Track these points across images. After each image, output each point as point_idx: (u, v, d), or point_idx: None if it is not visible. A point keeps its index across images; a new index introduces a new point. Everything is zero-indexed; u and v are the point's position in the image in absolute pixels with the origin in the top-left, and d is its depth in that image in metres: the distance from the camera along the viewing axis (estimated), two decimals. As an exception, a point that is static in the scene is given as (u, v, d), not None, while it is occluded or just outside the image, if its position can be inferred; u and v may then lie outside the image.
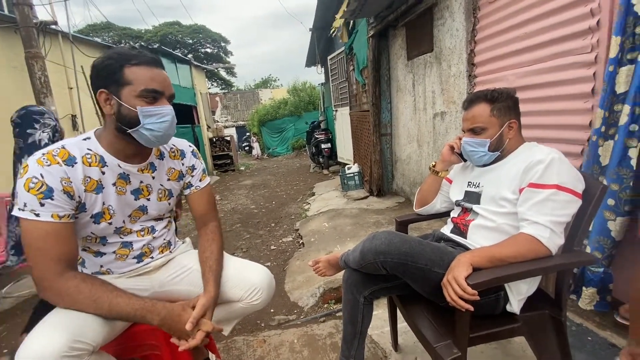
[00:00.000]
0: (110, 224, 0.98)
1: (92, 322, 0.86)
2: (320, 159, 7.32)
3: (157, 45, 6.76)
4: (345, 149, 6.06)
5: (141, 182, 1.03)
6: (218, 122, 15.56)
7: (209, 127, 9.67)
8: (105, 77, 0.89)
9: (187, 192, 1.18)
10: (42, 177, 0.84)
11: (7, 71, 3.40)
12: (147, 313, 0.88)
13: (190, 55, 24.63)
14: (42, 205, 0.84)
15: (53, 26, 3.82)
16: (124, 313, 0.87)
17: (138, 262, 1.08)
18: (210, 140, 9.38)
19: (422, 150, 3.23)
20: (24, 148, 1.83)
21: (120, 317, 0.88)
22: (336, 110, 6.46)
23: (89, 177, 0.92)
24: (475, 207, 1.11)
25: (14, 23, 3.30)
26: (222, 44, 26.83)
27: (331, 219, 3.45)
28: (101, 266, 1.04)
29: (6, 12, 3.81)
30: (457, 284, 0.86)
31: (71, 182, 0.88)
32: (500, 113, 1.06)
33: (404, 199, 3.75)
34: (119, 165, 0.97)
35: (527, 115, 1.51)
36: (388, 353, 1.49)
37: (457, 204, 1.21)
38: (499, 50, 2.06)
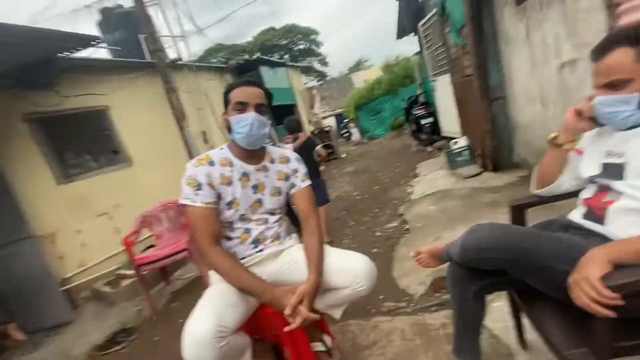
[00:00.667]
0: (236, 210, 1.25)
1: (229, 311, 1.09)
2: (423, 136, 6.86)
3: (256, 56, 7.51)
4: (449, 121, 5.51)
5: (257, 179, 1.30)
6: (317, 114, 16.33)
7: (309, 121, 10.26)
8: (224, 103, 1.27)
9: (292, 191, 1.39)
10: (195, 175, 1.20)
11: (157, 110, 4.37)
12: (258, 292, 1.13)
13: (286, 56, 26.45)
14: (196, 195, 1.19)
15: (180, 62, 4.70)
16: (244, 286, 1.14)
17: (254, 247, 1.31)
18: (312, 133, 9.96)
19: (547, 111, 2.67)
20: None
21: (241, 288, 1.16)
22: (435, 80, 5.90)
23: (224, 174, 1.24)
24: (617, 185, 0.87)
25: (153, 67, 4.22)
26: (312, 37, 27.73)
27: (438, 201, 3.24)
28: (230, 248, 1.29)
29: (148, 59, 4.87)
30: (589, 286, 0.70)
31: (212, 177, 1.22)
32: None
33: (528, 171, 3.20)
34: (241, 166, 1.28)
35: None
36: (513, 350, 1.34)
37: (591, 181, 0.97)
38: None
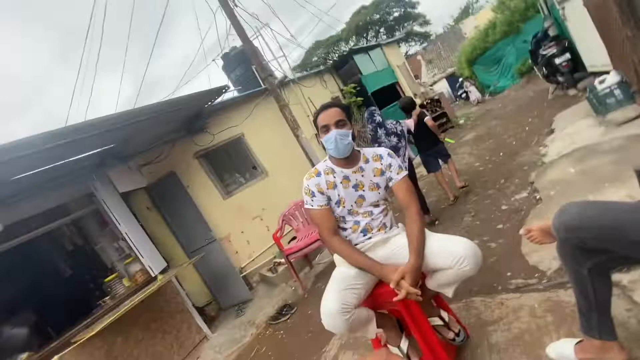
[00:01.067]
0: (344, 207, 1.57)
1: (349, 292, 1.40)
2: (560, 78, 5.61)
3: (352, 45, 7.66)
4: (595, 52, 4.35)
5: (356, 179, 1.58)
6: (425, 82, 15.22)
7: (415, 94, 9.78)
8: (315, 128, 1.63)
9: (390, 183, 1.61)
10: (308, 186, 1.57)
11: (276, 126, 5.15)
12: (371, 269, 1.43)
13: (382, 30, 25.41)
14: (312, 200, 1.56)
15: (286, 79, 5.38)
16: (360, 265, 1.46)
17: (364, 235, 1.59)
18: (421, 106, 9.47)
19: None
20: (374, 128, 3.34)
21: (358, 266, 1.47)
22: (563, 8, 4.75)
23: (328, 181, 1.57)
24: None
25: (267, 90, 5.00)
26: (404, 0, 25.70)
27: (579, 161, 2.75)
28: (345, 237, 1.61)
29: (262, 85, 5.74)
30: None
31: (321, 185, 1.56)
32: None
33: None
34: (341, 171, 1.58)
35: None
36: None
37: None
38: None
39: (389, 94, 7.55)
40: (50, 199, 2.83)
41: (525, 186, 3.06)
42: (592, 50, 4.31)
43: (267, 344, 2.92)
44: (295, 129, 4.79)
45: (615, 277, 1.52)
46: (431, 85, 17.48)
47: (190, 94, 3.33)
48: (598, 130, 3.11)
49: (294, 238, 4.00)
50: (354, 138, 1.58)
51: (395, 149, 3.28)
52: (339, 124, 1.52)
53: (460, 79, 14.80)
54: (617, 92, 3.18)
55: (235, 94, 5.03)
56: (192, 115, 3.94)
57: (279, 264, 4.11)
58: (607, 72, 3.55)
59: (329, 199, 1.57)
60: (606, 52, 3.73)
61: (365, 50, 7.66)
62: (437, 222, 3.44)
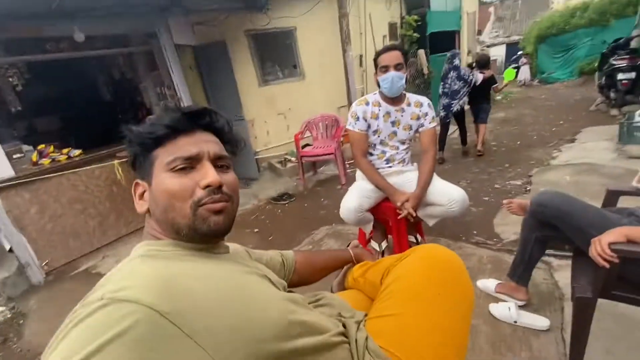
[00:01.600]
0: (379, 136, 1.93)
1: (365, 199, 1.87)
2: (612, 94, 5.53)
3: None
4: (657, 82, 4.30)
5: (396, 117, 1.88)
6: (484, 42, 14.06)
7: (469, 51, 9.25)
8: (374, 66, 1.84)
9: (421, 129, 1.93)
10: (356, 111, 1.88)
11: (328, 32, 5.02)
12: (385, 189, 1.85)
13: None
14: (355, 123, 1.90)
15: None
16: (377, 184, 1.89)
17: (386, 164, 1.99)
18: (469, 65, 9.07)
19: None
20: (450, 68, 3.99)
21: (375, 185, 1.90)
22: (661, 23, 4.45)
23: (373, 112, 1.88)
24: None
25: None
26: None
27: (578, 173, 3.09)
28: (371, 160, 2.01)
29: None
30: (599, 244, 1.09)
31: (366, 113, 1.87)
32: None
33: None
34: (386, 107, 1.88)
35: None
36: (566, 298, 1.71)
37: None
38: None
39: (445, 41, 7.16)
40: (119, 25, 2.99)
41: (523, 177, 3.45)
42: (657, 79, 4.25)
43: (265, 215, 3.56)
44: (345, 42, 4.74)
45: (550, 259, 2.05)
46: (489, 46, 16.13)
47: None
48: (610, 155, 3.39)
49: (307, 145, 4.40)
50: (406, 81, 1.83)
51: (457, 93, 4.07)
52: (397, 67, 1.76)
53: (520, 52, 13.74)
54: (648, 128, 3.36)
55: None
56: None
57: (289, 160, 4.60)
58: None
59: (369, 126, 1.90)
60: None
61: (444, -18, 6.96)
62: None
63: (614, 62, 5.40)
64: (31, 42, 2.70)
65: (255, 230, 3.22)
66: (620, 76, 5.20)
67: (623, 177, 2.83)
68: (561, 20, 10.50)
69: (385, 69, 1.77)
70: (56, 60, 3.07)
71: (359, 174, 2.07)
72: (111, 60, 3.85)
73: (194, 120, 0.66)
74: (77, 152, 3.03)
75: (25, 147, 2.91)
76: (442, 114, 4.25)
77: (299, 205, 3.69)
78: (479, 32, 12.88)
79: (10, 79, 3.10)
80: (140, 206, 0.66)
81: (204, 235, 0.61)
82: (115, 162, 2.91)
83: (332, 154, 3.79)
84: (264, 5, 4.05)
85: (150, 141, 0.63)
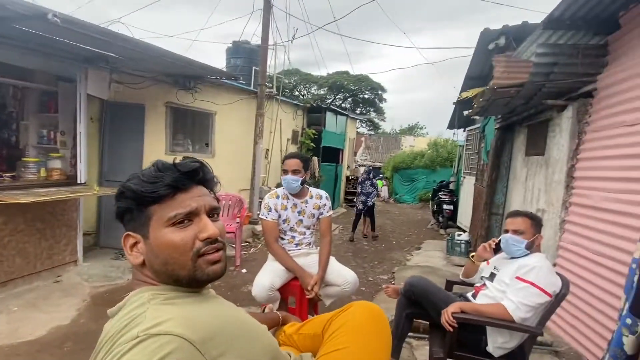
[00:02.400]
0: (288, 224, 2.25)
1: (276, 278, 2.09)
2: (440, 218, 7.66)
3: (328, 102, 8.83)
4: (465, 215, 6.34)
5: (301, 207, 2.27)
6: (357, 161, 17.48)
7: (348, 166, 11.40)
8: (281, 166, 2.26)
9: (320, 217, 2.34)
10: (269, 203, 2.20)
11: (244, 124, 5.66)
12: (296, 271, 2.10)
13: (350, 99, 28.51)
14: (268, 213, 2.19)
15: (273, 94, 6.06)
16: (289, 266, 2.11)
17: (296, 247, 2.29)
18: (347, 177, 11.04)
19: (524, 237, 3.50)
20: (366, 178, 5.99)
21: (287, 267, 2.12)
22: (464, 177, 6.83)
23: (283, 204, 2.21)
24: (488, 283, 1.78)
25: (255, 94, 5.57)
26: (379, 92, 29.76)
27: (425, 273, 4.06)
28: (282, 244, 2.27)
29: (252, 87, 6.28)
30: (446, 313, 1.61)
31: (277, 205, 2.19)
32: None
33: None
34: (293, 199, 2.25)
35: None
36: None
37: (481, 277, 1.88)
38: (598, 172, 2.41)
39: (332, 155, 8.82)
40: (34, 60, 2.73)
41: (388, 273, 4.26)
42: (465, 213, 6.27)
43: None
44: (258, 136, 5.36)
45: (411, 340, 2.55)
46: (360, 165, 19.92)
47: (204, 64, 3.73)
48: (442, 262, 4.61)
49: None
50: (303, 182, 2.29)
51: (370, 193, 6.06)
52: (294, 172, 2.19)
53: (381, 175, 17.66)
54: (462, 246, 4.82)
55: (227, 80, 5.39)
56: (190, 75, 4.23)
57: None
58: (465, 232, 5.30)
59: (279, 216, 2.23)
60: (470, 219, 5.58)
61: (336, 112, 8.96)
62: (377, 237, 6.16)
63: (441, 196, 7.67)
64: None
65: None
66: (444, 206, 7.36)
67: (450, 277, 3.88)
68: (408, 159, 14.45)
69: (285, 172, 2.18)
70: None
71: (270, 256, 2.29)
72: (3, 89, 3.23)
73: (191, 178, 0.69)
74: None
75: None
76: (360, 207, 6.08)
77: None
78: (355, 154, 16.11)
79: None
80: (135, 258, 0.67)
81: (203, 283, 0.69)
82: None
83: (232, 232, 3.86)
84: (192, 87, 4.39)
85: (150, 199, 0.65)
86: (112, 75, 3.71)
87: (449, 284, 2.12)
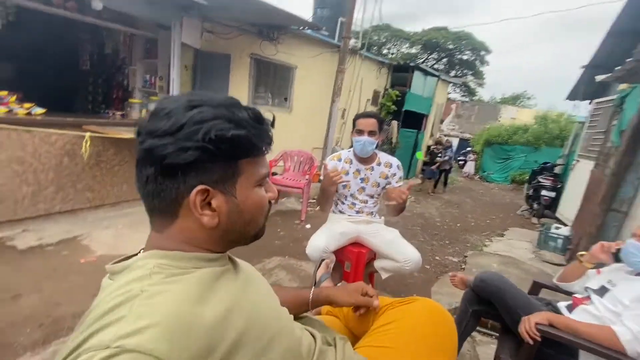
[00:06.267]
0: (348, 190, 2.10)
1: (332, 241, 1.97)
2: (535, 205, 6.58)
3: (419, 62, 7.95)
4: (569, 206, 5.28)
5: (365, 174, 2.07)
6: (442, 130, 15.98)
7: (432, 134, 10.45)
8: (352, 126, 2.05)
9: (388, 186, 2.11)
10: (328, 165, 2.07)
11: (323, 80, 5.47)
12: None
13: (444, 60, 25.52)
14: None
15: (357, 49, 5.64)
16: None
17: (356, 213, 2.14)
18: (427, 147, 10.18)
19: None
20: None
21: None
22: (578, 161, 5.59)
23: (344, 168, 2.06)
24: (595, 298, 1.38)
25: (337, 47, 5.25)
26: (481, 53, 25.90)
27: (504, 264, 3.56)
28: (340, 210, 2.17)
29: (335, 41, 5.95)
30: (528, 322, 1.31)
31: (337, 168, 2.01)
32: None
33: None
34: (357, 164, 2.07)
35: None
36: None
37: (586, 289, 1.47)
38: None
39: (414, 120, 8.09)
40: (138, 7, 2.97)
41: (460, 255, 3.86)
42: (570, 203, 5.22)
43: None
44: (336, 94, 5.15)
45: (475, 334, 2.28)
46: (445, 135, 18.26)
47: (289, 12, 3.56)
48: (529, 255, 3.98)
49: (275, 174, 4.49)
50: (377, 146, 2.06)
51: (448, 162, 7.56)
52: (370, 133, 1.98)
53: (469, 148, 15.85)
54: (559, 241, 4.06)
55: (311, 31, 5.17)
56: (274, 25, 4.14)
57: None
58: (565, 225, 4.44)
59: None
60: (576, 212, 4.62)
61: (425, 73, 8.04)
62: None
63: (541, 180, 6.51)
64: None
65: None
66: (543, 192, 6.25)
67: (537, 275, 3.32)
68: (506, 134, 12.51)
69: (360, 132, 1.97)
70: (53, 14, 2.91)
71: (331, 215, 2.20)
72: (109, 34, 3.70)
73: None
74: (39, 110, 2.76)
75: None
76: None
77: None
78: (441, 122, 14.67)
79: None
80: (211, 219, 0.55)
81: (254, 239, 0.64)
82: (88, 134, 2.68)
83: (300, 188, 3.91)
84: (275, 38, 4.32)
85: (251, 153, 0.57)
86: (203, 24, 3.84)
87: (536, 287, 1.74)
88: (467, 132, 20.69)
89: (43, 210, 2.82)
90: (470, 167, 13.10)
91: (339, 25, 5.80)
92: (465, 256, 3.82)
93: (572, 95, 7.34)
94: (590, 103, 6.56)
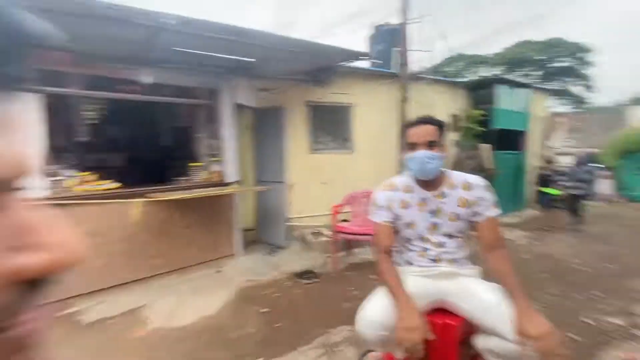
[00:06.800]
0: (414, 231, 1.46)
1: (391, 314, 1.30)
2: None
3: (493, 74, 6.93)
4: None
5: (436, 205, 1.43)
6: (553, 148, 13.29)
7: (541, 155, 8.62)
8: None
9: (476, 218, 1.41)
10: (378, 198, 1.50)
11: (385, 114, 5.04)
12: (397, 297, 1.30)
13: (537, 73, 22.48)
14: (376, 213, 1.50)
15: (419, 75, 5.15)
16: (394, 292, 1.33)
17: (432, 263, 1.46)
18: (540, 168, 8.33)
19: None
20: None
21: (392, 293, 1.33)
22: None
23: (403, 199, 1.47)
24: None
25: (396, 76, 4.85)
26: (580, 55, 22.19)
27: None
28: (407, 261, 1.52)
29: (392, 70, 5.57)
30: None
31: (392, 201, 1.46)
32: None
33: None
34: (420, 192, 1.45)
35: None
36: None
37: None
38: None
39: (508, 140, 6.76)
40: (186, 79, 3.24)
41: (624, 314, 2.54)
42: None
43: (282, 292, 3.04)
44: (402, 125, 4.62)
45: None
46: (560, 154, 15.23)
47: (334, 45, 3.39)
48: None
49: (345, 220, 4.00)
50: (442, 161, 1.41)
51: (587, 181, 5.42)
52: (430, 145, 1.36)
53: (598, 165, 12.50)
54: None
55: (364, 66, 4.97)
56: (322, 67, 4.04)
57: (321, 233, 4.17)
58: None
59: (397, 217, 1.47)
60: None
61: (510, 84, 6.86)
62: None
63: None
64: (107, 81, 2.98)
65: (264, 309, 2.70)
66: None
67: None
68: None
69: (414, 146, 1.39)
70: (130, 102, 3.36)
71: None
72: (176, 109, 4.17)
73: None
74: (115, 185, 3.02)
75: (73, 172, 2.99)
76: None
77: (323, 288, 3.12)
78: (548, 137, 12.23)
79: (86, 113, 3.42)
80: None
81: None
82: (138, 200, 2.79)
83: (371, 235, 3.30)
84: (325, 80, 4.20)
85: None
86: (255, 82, 3.97)
87: None
88: (592, 145, 16.79)
89: (114, 281, 2.91)
90: (604, 187, 10.17)
91: (392, 54, 5.46)
92: (633, 314, 2.49)
93: None
94: None
